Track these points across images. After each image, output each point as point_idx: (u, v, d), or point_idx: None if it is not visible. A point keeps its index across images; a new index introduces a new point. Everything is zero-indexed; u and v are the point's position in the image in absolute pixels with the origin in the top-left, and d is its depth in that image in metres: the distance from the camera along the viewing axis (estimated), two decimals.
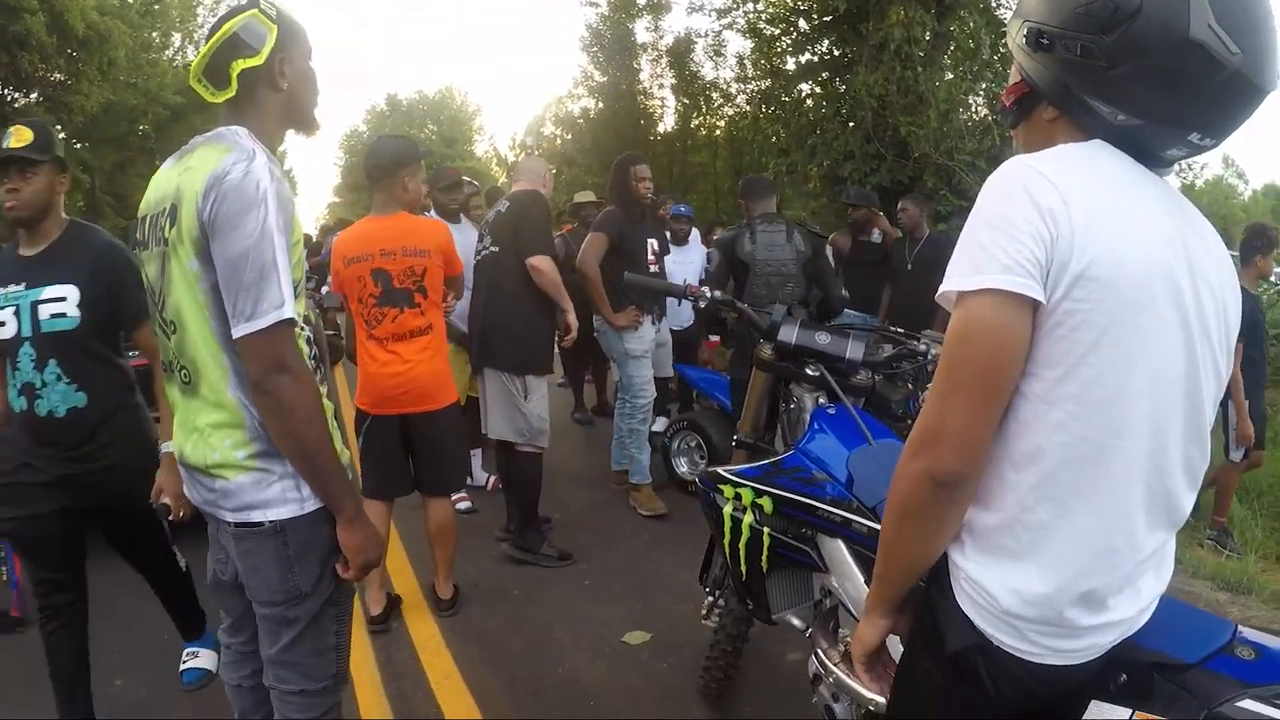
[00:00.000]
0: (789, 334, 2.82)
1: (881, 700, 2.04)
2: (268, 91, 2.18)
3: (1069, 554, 1.43)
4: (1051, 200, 1.31)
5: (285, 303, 1.98)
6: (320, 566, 2.22)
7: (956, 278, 1.38)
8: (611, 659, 4.00)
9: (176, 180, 2.07)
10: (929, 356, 2.61)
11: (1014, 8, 1.56)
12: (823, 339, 2.77)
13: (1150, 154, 1.44)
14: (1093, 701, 1.52)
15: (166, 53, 30.72)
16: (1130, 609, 1.49)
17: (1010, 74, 1.61)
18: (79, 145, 26.71)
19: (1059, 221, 1.31)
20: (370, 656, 4.01)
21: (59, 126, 24.84)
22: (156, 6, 29.02)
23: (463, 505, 5.70)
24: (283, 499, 2.14)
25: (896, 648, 2.00)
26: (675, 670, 3.86)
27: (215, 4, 30.89)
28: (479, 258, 5.02)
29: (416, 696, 3.73)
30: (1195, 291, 1.41)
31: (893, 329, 2.84)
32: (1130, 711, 1.49)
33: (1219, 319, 1.46)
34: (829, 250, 5.96)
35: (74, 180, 25.29)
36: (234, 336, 1.98)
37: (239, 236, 1.94)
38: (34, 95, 24.51)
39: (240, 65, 2.10)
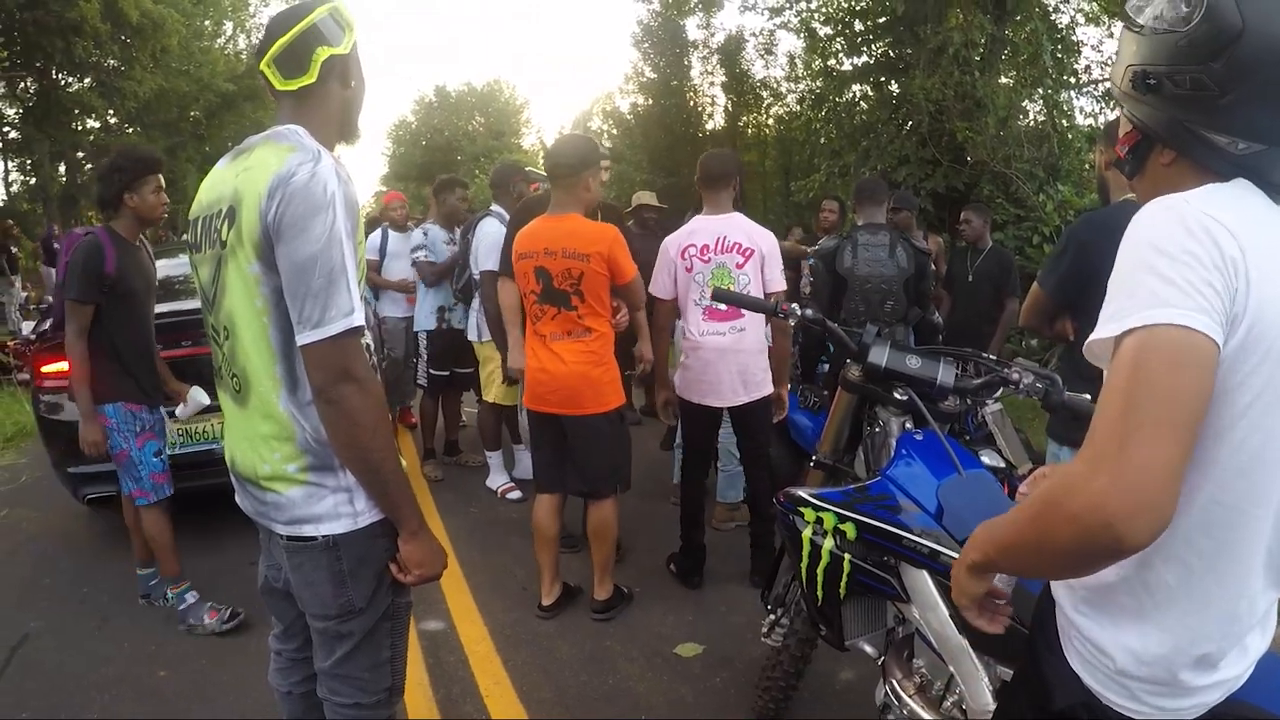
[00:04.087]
0: (879, 356, 2.73)
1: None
2: (338, 86, 2.13)
3: (1190, 617, 1.36)
4: (1233, 250, 1.20)
5: (354, 309, 1.91)
6: (375, 581, 2.16)
7: (1125, 316, 1.23)
8: (663, 670, 3.94)
9: (234, 181, 2.00)
10: (1020, 386, 2.51)
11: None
12: (914, 363, 2.68)
13: (1274, 182, 1.34)
14: None
15: (218, 41, 31.62)
16: (1238, 668, 1.43)
17: (1120, 125, 1.52)
18: (131, 130, 27.35)
19: (1239, 273, 1.20)
20: (419, 659, 3.98)
21: (111, 112, 25.34)
22: None
23: (513, 495, 5.65)
24: (335, 514, 2.08)
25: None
26: (728, 685, 3.79)
27: None
28: None
29: (465, 702, 3.70)
30: None
31: (984, 356, 2.74)
32: None
33: None
34: (932, 267, 5.72)
35: None
36: (299, 344, 1.91)
37: (306, 241, 1.87)
38: (87, 80, 25.07)
39: (326, 52, 2.04)
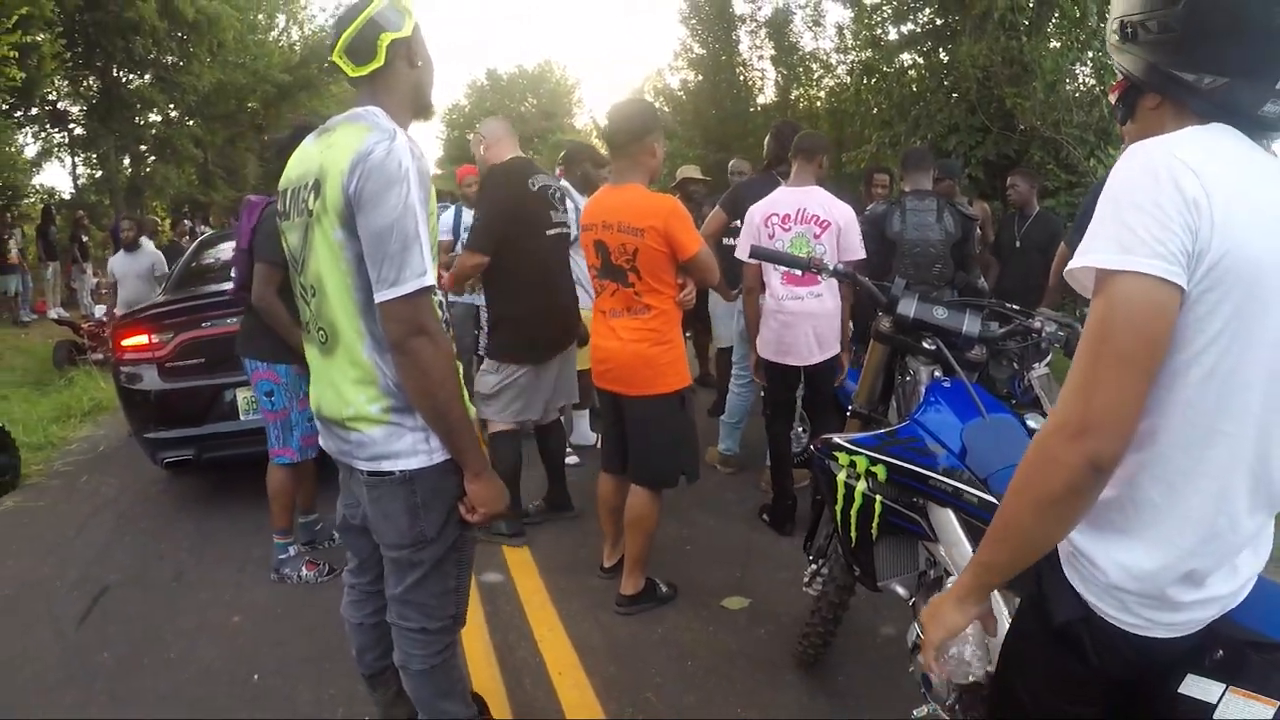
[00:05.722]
0: (907, 307, 2.87)
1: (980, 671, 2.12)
2: (405, 67, 2.33)
3: (1175, 534, 1.48)
4: (1196, 191, 1.33)
5: (427, 271, 2.12)
6: (445, 515, 2.38)
7: (1099, 254, 1.39)
8: (710, 621, 4.08)
9: (319, 157, 2.22)
10: (1044, 334, 2.63)
11: None
12: (940, 314, 2.82)
13: (1248, 115, 1.45)
14: (1189, 675, 1.55)
15: (272, 34, 31.88)
16: (1228, 586, 1.54)
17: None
18: (191, 122, 27.93)
19: (1201, 213, 1.33)
20: (478, 607, 4.16)
21: (171, 105, 25.87)
22: None
23: (570, 461, 5.79)
24: (413, 450, 2.30)
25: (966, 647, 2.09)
26: (772, 637, 3.91)
27: None
28: (561, 233, 4.84)
29: (520, 647, 3.89)
30: None
31: (1008, 306, 2.86)
32: (1224, 686, 1.53)
33: None
34: (977, 233, 5.99)
35: (188, 155, 26.29)
36: (377, 301, 2.13)
37: (383, 211, 2.08)
38: (147, 76, 25.64)
39: (389, 37, 2.25)
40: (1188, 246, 1.34)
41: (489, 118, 5.20)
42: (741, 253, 4.80)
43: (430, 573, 2.42)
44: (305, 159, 2.33)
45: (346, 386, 2.30)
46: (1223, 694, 1.52)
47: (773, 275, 4.82)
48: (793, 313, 4.77)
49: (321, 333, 2.33)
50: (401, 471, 2.30)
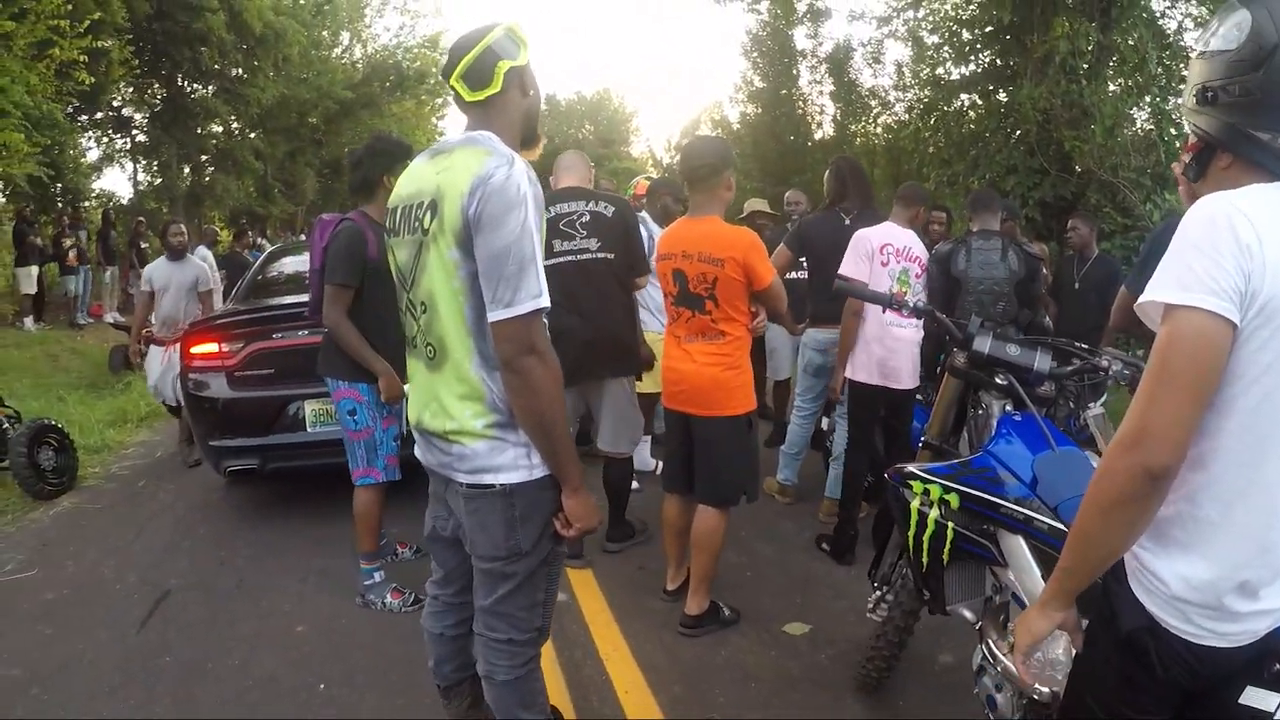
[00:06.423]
0: (982, 344, 3.01)
1: (1046, 690, 2.26)
2: (518, 95, 2.45)
3: (1230, 547, 1.62)
4: (1250, 237, 1.50)
5: (541, 293, 2.22)
6: (541, 529, 2.44)
7: (1162, 290, 1.57)
8: (772, 646, 4.17)
9: (436, 178, 2.31)
10: (1110, 373, 2.75)
11: (1180, 20, 1.78)
12: (1013, 350, 2.95)
13: None
14: (1248, 687, 1.67)
15: (336, 50, 32.16)
16: None
17: (1188, 138, 1.83)
18: (253, 135, 28.31)
19: (1254, 258, 1.49)
20: None
21: (234, 117, 26.29)
22: (327, 6, 30.43)
23: (631, 486, 5.90)
24: (514, 465, 2.37)
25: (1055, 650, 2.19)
26: (834, 663, 3.99)
27: (382, 6, 32.40)
28: (573, 260, 4.70)
29: (586, 665, 3.99)
30: None
31: (1077, 345, 3.00)
32: None
33: None
34: (1044, 272, 6.17)
35: (248, 166, 26.53)
36: (491, 320, 2.21)
37: (502, 233, 2.17)
38: (211, 88, 26.04)
39: (506, 65, 2.37)
40: (1240, 286, 1.50)
41: (566, 150, 5.33)
42: (846, 269, 4.99)
43: (522, 585, 2.48)
44: (418, 178, 2.42)
45: (451, 401, 2.37)
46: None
47: None
48: (900, 340, 4.98)
49: (430, 348, 2.41)
50: (502, 485, 2.37)
